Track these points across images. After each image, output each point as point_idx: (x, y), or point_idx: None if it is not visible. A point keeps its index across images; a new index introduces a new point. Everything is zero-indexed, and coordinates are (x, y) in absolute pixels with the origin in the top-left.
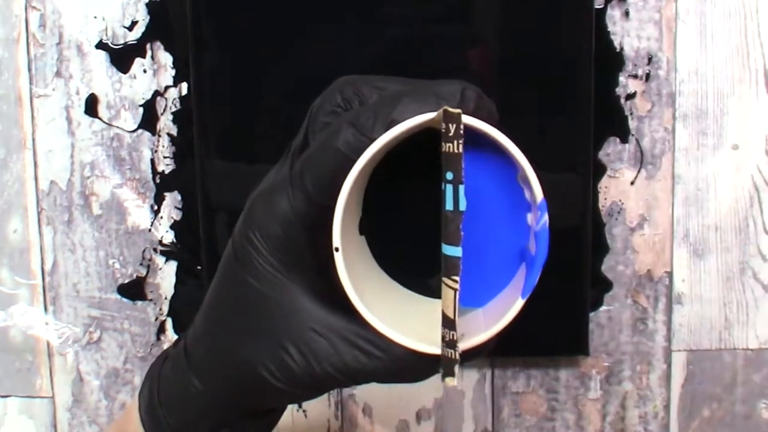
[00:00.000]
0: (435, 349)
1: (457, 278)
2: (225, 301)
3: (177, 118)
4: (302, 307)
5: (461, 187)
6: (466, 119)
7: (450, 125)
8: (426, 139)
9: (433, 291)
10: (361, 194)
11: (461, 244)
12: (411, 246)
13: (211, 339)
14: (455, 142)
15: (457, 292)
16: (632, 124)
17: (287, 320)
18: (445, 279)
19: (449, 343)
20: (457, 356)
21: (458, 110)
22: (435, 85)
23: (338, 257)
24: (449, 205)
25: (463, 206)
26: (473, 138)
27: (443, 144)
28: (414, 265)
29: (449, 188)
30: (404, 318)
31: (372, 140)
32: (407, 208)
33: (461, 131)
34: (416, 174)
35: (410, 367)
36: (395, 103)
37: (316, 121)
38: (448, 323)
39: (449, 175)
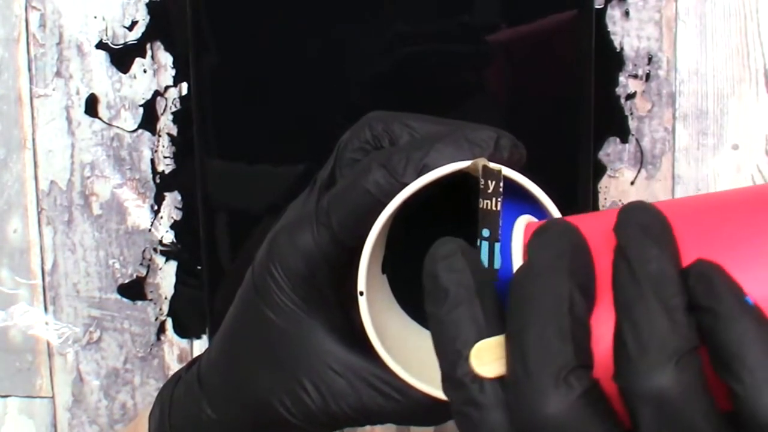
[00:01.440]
0: None
1: None
2: (242, 332)
3: (177, 118)
4: (321, 344)
5: (497, 245)
6: (504, 169)
7: (489, 182)
8: (453, 179)
9: None
10: (386, 233)
11: None
12: None
13: (227, 368)
14: (493, 199)
15: None
16: (632, 124)
17: (305, 357)
18: None
19: None
20: None
21: (498, 167)
22: (469, 131)
23: (362, 301)
24: (484, 262)
25: (498, 264)
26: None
27: (481, 200)
28: None
29: (485, 245)
30: (424, 360)
31: (402, 184)
32: (430, 246)
33: (500, 189)
34: (441, 212)
35: (428, 411)
36: (428, 148)
37: (344, 156)
38: None
39: (485, 233)
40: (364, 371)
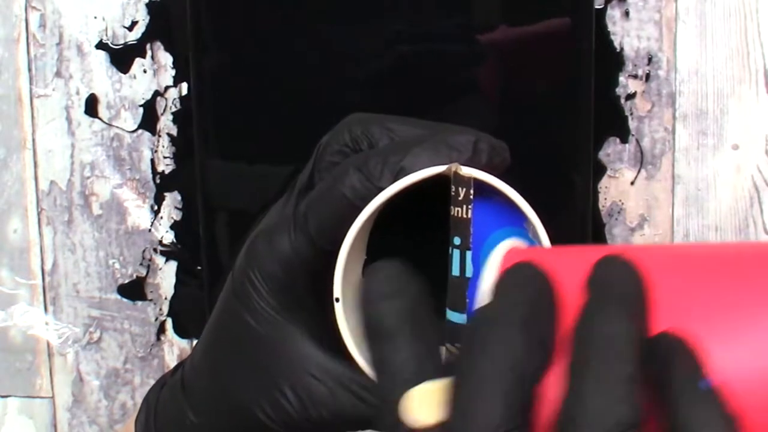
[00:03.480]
0: None
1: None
2: (223, 337)
3: (177, 118)
4: (300, 350)
5: (468, 254)
6: (478, 174)
7: (460, 189)
8: (433, 183)
9: None
10: (365, 238)
11: (466, 311)
12: None
13: (208, 374)
14: (464, 206)
15: None
16: (632, 124)
17: (285, 363)
18: (448, 346)
19: None
20: None
21: (470, 174)
22: (447, 134)
23: (338, 307)
24: (455, 271)
25: (469, 272)
26: (482, 186)
27: (452, 207)
28: None
29: (456, 253)
30: None
31: (378, 188)
32: (411, 251)
33: (471, 196)
34: (423, 216)
35: None
36: (405, 152)
37: (323, 159)
38: None
39: (457, 240)
40: (344, 377)
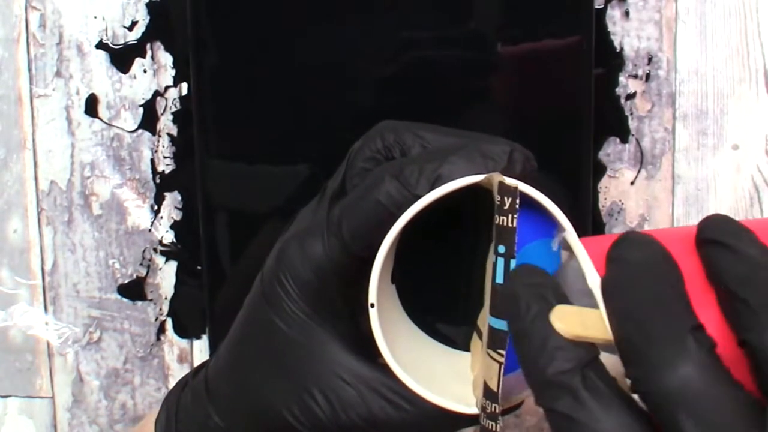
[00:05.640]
0: (465, 408)
1: (503, 352)
2: (251, 340)
3: (177, 118)
4: (331, 354)
5: (513, 262)
6: (519, 185)
7: (506, 198)
8: (461, 191)
9: (458, 341)
10: (395, 245)
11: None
12: (439, 295)
13: (235, 376)
14: (510, 216)
15: (502, 366)
16: (632, 124)
17: (315, 366)
18: (489, 351)
19: (490, 416)
20: (498, 429)
21: (515, 183)
22: (482, 143)
23: (373, 313)
24: (499, 279)
25: None
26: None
27: (497, 216)
28: (442, 315)
29: (500, 261)
30: (433, 372)
31: (415, 196)
32: (437, 257)
33: (516, 206)
34: (447, 222)
35: (437, 421)
36: (441, 161)
37: (355, 165)
38: (491, 395)
39: (501, 249)
40: (374, 381)
